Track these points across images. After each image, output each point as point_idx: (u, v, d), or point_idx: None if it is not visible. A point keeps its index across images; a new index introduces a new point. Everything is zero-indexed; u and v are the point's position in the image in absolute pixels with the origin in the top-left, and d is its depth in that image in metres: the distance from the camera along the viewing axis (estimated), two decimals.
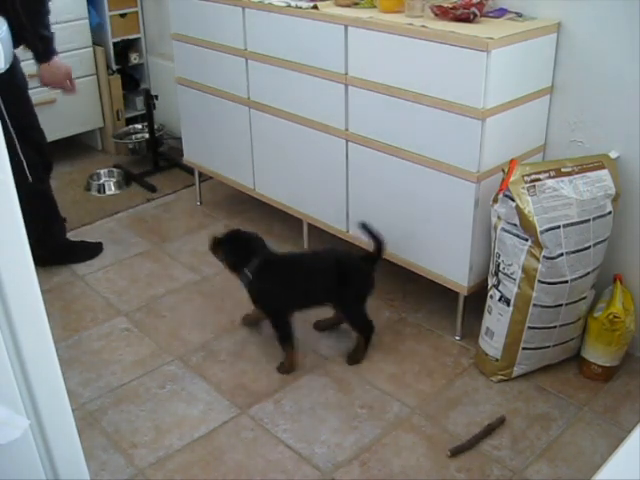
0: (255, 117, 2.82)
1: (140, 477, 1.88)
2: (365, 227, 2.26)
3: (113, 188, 3.57)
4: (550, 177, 2.00)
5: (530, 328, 2.08)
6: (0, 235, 0.85)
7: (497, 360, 2.16)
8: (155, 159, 3.75)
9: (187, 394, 2.17)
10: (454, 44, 2.01)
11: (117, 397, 2.16)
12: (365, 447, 1.96)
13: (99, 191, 3.55)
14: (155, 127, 3.72)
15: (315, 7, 2.40)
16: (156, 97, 3.67)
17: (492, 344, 2.16)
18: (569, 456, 1.91)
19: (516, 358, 2.14)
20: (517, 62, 2.08)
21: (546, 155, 2.35)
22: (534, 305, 2.04)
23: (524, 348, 2.12)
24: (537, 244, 1.98)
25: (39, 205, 2.67)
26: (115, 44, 3.85)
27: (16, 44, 2.31)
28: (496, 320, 2.13)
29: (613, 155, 2.11)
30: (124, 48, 3.96)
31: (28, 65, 2.53)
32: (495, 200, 2.08)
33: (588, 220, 2.01)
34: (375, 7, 2.35)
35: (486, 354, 2.20)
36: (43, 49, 2.41)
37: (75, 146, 3.98)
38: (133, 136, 3.93)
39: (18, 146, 2.33)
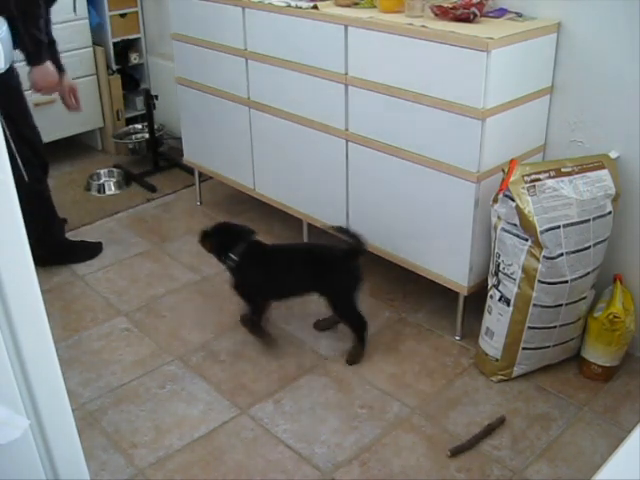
0: (255, 117, 2.82)
1: (140, 477, 1.88)
2: (341, 230, 2.31)
3: (113, 188, 3.57)
4: (550, 177, 2.00)
5: (530, 328, 2.08)
6: (0, 235, 0.85)
7: (497, 360, 2.16)
8: (155, 159, 3.75)
9: (187, 394, 2.17)
10: (454, 44, 2.01)
11: (117, 397, 2.16)
12: (365, 447, 1.96)
13: (99, 191, 3.55)
14: (155, 127, 3.72)
15: (315, 7, 2.40)
16: (156, 97, 3.67)
17: (492, 344, 2.16)
18: (569, 456, 1.91)
19: (516, 358, 2.14)
20: (517, 62, 2.08)
21: (546, 155, 2.35)
22: (534, 305, 2.04)
23: (524, 348, 2.12)
24: (537, 244, 1.98)
25: (37, 205, 2.67)
26: (115, 44, 3.85)
27: (14, 45, 2.31)
28: (496, 320, 2.13)
29: (613, 155, 2.11)
30: (124, 48, 3.96)
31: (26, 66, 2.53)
32: (495, 200, 2.08)
33: (588, 220, 2.01)
34: (375, 7, 2.35)
35: (486, 354, 2.20)
36: (34, 50, 2.41)
37: (75, 146, 3.98)
38: (133, 136, 3.93)
39: (13, 146, 2.34)
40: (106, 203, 3.44)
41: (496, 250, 2.10)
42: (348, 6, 2.41)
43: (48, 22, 2.76)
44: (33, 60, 2.45)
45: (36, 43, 2.39)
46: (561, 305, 2.06)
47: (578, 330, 2.19)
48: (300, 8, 2.43)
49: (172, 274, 2.82)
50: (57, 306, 2.60)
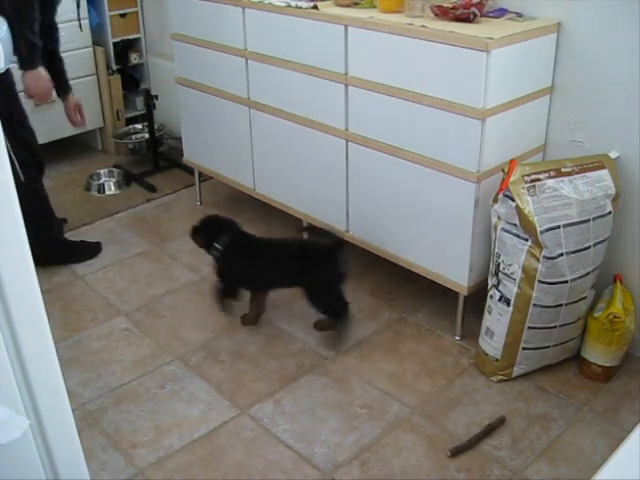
0: (255, 117, 2.82)
1: (140, 477, 1.88)
2: (311, 229, 2.38)
3: (113, 188, 3.57)
4: (550, 177, 2.00)
5: (530, 328, 2.08)
6: (0, 235, 0.85)
7: (497, 360, 2.16)
8: (155, 159, 3.75)
9: (187, 394, 2.17)
10: (454, 44, 2.01)
11: (117, 397, 2.16)
12: (365, 447, 1.96)
13: (99, 191, 3.55)
14: (155, 127, 3.72)
15: (315, 7, 2.40)
16: (156, 97, 3.67)
17: (492, 344, 2.16)
18: (569, 456, 1.91)
19: (516, 358, 2.14)
20: (517, 62, 2.08)
21: (546, 155, 2.35)
22: (534, 305, 2.04)
23: (524, 348, 2.12)
24: (537, 244, 1.98)
25: (34, 204, 2.67)
26: (115, 44, 3.86)
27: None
28: (496, 320, 2.13)
29: (613, 155, 2.11)
30: (124, 48, 3.96)
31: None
32: (495, 200, 2.08)
33: (588, 220, 2.01)
34: (375, 7, 2.35)
35: (486, 354, 2.20)
36: (27, 54, 2.40)
37: (75, 146, 3.98)
38: (133, 136, 3.93)
39: (9, 145, 2.33)
40: (106, 203, 3.44)
41: (496, 250, 2.10)
42: (348, 6, 2.41)
43: (57, 40, 2.82)
44: (26, 64, 2.44)
45: (29, 47, 2.39)
46: (561, 305, 2.06)
47: (578, 330, 2.19)
48: (300, 8, 2.43)
49: (172, 274, 2.82)
50: (57, 306, 2.60)
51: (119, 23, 3.84)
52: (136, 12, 3.90)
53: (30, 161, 2.59)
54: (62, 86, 2.86)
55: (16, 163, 2.38)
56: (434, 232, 2.29)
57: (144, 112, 3.86)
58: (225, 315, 2.49)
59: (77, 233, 3.12)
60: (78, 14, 3.31)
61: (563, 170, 2.02)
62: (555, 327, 2.11)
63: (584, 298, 2.11)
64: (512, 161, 2.03)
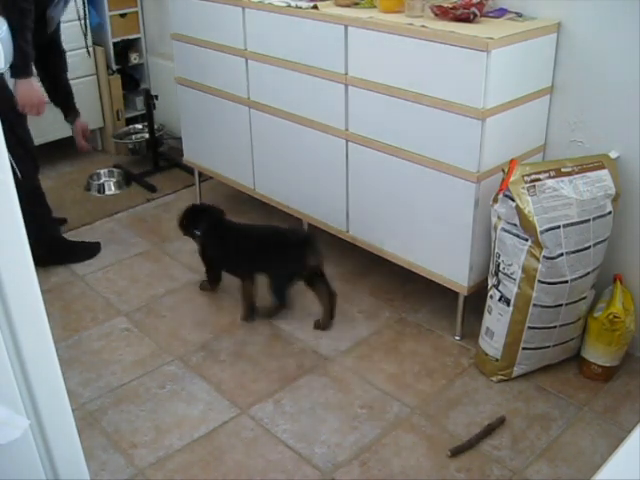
0: (255, 117, 2.82)
1: (140, 477, 1.88)
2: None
3: (113, 188, 3.57)
4: (550, 177, 2.00)
5: (530, 328, 2.08)
6: (0, 235, 0.85)
7: (497, 360, 2.16)
8: (155, 159, 3.75)
9: (187, 394, 2.17)
10: (454, 44, 2.01)
11: (117, 397, 2.16)
12: (365, 447, 1.96)
13: (99, 191, 3.55)
14: (155, 127, 3.72)
15: (315, 7, 2.40)
16: (156, 97, 3.67)
17: (492, 344, 2.16)
18: (569, 456, 1.91)
19: (516, 358, 2.14)
20: (517, 62, 2.08)
21: (546, 155, 2.35)
22: (534, 305, 2.04)
23: (524, 348, 2.12)
24: (537, 244, 1.98)
25: (33, 204, 2.67)
26: (115, 44, 3.86)
27: None
28: (496, 320, 2.13)
29: (613, 155, 2.11)
30: (124, 48, 3.96)
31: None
32: (495, 200, 2.08)
33: (588, 220, 2.01)
34: (375, 7, 2.35)
35: (486, 354, 2.20)
36: (20, 63, 2.38)
37: (75, 146, 3.97)
38: (133, 136, 3.93)
39: (5, 144, 2.33)
40: (106, 203, 3.44)
41: (496, 250, 2.10)
42: (348, 6, 2.41)
43: (64, 69, 2.88)
44: (18, 73, 2.43)
45: (22, 55, 2.37)
46: (561, 305, 2.06)
47: (578, 330, 2.19)
48: (300, 8, 2.43)
49: (172, 274, 2.82)
50: (57, 306, 2.60)
51: (119, 23, 3.84)
52: (136, 12, 3.90)
53: (27, 160, 2.59)
54: (70, 112, 2.95)
55: (13, 163, 2.38)
56: (434, 232, 2.29)
57: (144, 112, 3.87)
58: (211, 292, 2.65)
59: (77, 233, 3.12)
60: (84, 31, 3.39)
61: (563, 170, 2.02)
62: (555, 327, 2.11)
63: (584, 298, 2.11)
64: (512, 161, 2.03)
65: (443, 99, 2.09)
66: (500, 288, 2.10)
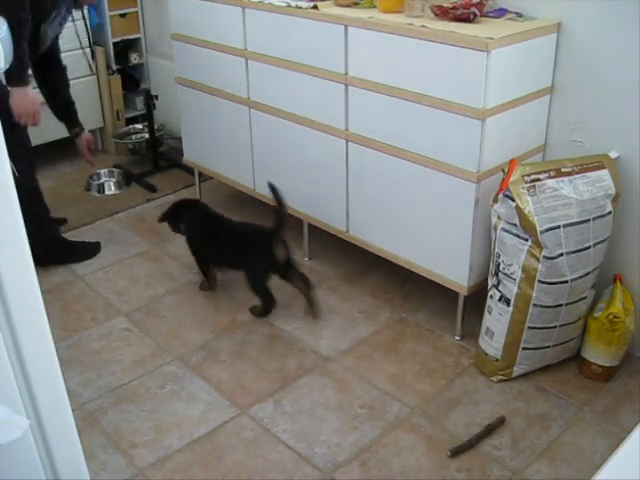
0: (255, 117, 2.82)
1: (140, 477, 1.88)
2: (274, 190, 2.48)
3: (113, 188, 3.57)
4: (550, 177, 2.00)
5: (530, 328, 2.08)
6: (0, 235, 0.85)
7: (497, 360, 2.16)
8: (155, 159, 3.75)
9: (187, 394, 2.17)
10: (454, 44, 2.01)
11: (117, 397, 2.16)
12: (365, 447, 1.96)
13: (99, 191, 3.55)
14: (155, 127, 3.72)
15: (315, 7, 2.40)
16: (156, 97, 3.67)
17: (492, 344, 2.16)
18: (569, 456, 1.91)
19: (516, 358, 2.14)
20: (517, 62, 2.08)
21: (546, 155, 2.35)
22: (534, 305, 2.04)
23: (524, 348, 2.12)
24: (537, 244, 1.98)
25: (32, 203, 2.67)
26: (115, 44, 3.85)
27: None
28: (496, 320, 2.13)
29: (613, 155, 2.11)
30: (124, 48, 3.96)
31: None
32: (495, 200, 2.08)
33: (588, 220, 2.01)
34: (375, 7, 2.35)
35: (486, 354, 2.20)
36: (16, 71, 2.37)
37: (75, 146, 3.97)
38: (133, 136, 3.93)
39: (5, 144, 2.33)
40: (106, 203, 3.43)
41: (496, 250, 2.10)
42: (348, 6, 2.41)
43: (66, 85, 2.89)
44: (14, 81, 2.42)
45: (19, 64, 2.36)
46: (561, 305, 2.06)
47: (578, 330, 2.19)
48: (300, 8, 2.43)
49: (172, 274, 2.82)
50: (57, 306, 2.60)
51: (119, 23, 3.84)
52: (136, 12, 3.90)
53: (26, 159, 2.59)
54: (73, 125, 2.98)
55: (12, 164, 2.38)
56: (434, 232, 2.29)
57: (144, 112, 3.86)
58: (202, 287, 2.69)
59: (77, 233, 3.12)
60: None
61: (563, 170, 2.02)
62: (555, 327, 2.11)
63: (584, 298, 2.11)
64: (512, 161, 2.03)
65: (443, 99, 2.09)
66: (500, 288, 2.10)
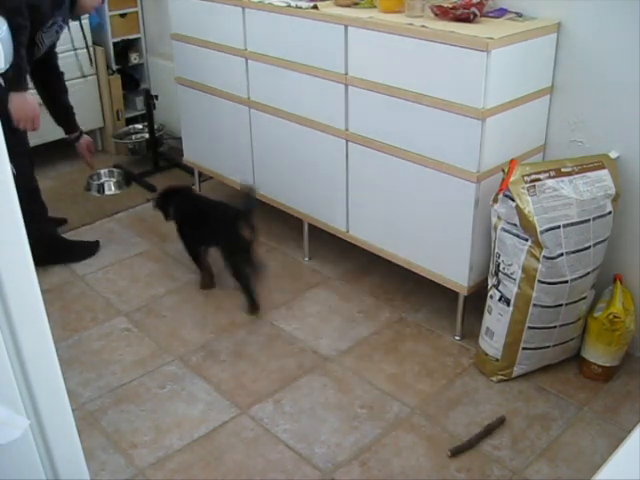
0: (255, 117, 2.82)
1: (140, 477, 1.88)
2: (247, 189, 2.58)
3: (113, 188, 3.57)
4: (550, 177, 2.00)
5: (530, 328, 2.08)
6: (0, 235, 0.85)
7: (497, 360, 2.16)
8: (155, 159, 3.75)
9: (187, 394, 2.17)
10: (454, 44, 2.01)
11: (117, 397, 2.16)
12: (365, 447, 1.96)
13: (99, 191, 3.55)
14: (155, 127, 3.72)
15: (315, 7, 2.40)
16: (156, 97, 3.67)
17: (492, 344, 2.16)
18: (569, 456, 1.91)
19: (516, 358, 2.14)
20: (517, 62, 2.08)
21: (546, 155, 2.35)
22: (534, 305, 2.04)
23: (524, 348, 2.12)
24: (537, 244, 1.98)
25: (31, 203, 2.67)
26: (115, 44, 3.85)
27: None
28: (496, 320, 2.13)
29: (613, 155, 2.11)
30: (124, 48, 3.96)
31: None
32: (495, 200, 2.08)
33: (588, 220, 2.01)
34: (375, 7, 2.35)
35: (486, 354, 2.20)
36: (14, 76, 2.38)
37: (75, 147, 3.97)
38: (133, 136, 3.93)
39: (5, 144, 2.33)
40: (106, 203, 3.43)
41: (496, 250, 2.10)
42: (348, 6, 2.41)
43: (64, 91, 2.89)
44: (12, 86, 2.42)
45: (17, 70, 2.36)
46: (561, 305, 2.06)
47: (578, 330, 2.19)
48: (300, 8, 2.43)
49: (172, 274, 2.82)
50: (57, 306, 2.60)
51: (119, 23, 3.84)
52: (136, 12, 3.90)
53: (25, 159, 2.59)
54: (71, 130, 2.98)
55: (11, 166, 2.38)
56: (434, 232, 2.29)
57: (144, 112, 3.86)
58: (205, 288, 2.70)
59: (77, 233, 3.12)
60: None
61: (563, 170, 2.02)
62: (555, 327, 2.11)
63: (584, 298, 2.11)
64: (512, 161, 2.03)
65: (443, 99, 2.09)
66: (500, 288, 2.10)
